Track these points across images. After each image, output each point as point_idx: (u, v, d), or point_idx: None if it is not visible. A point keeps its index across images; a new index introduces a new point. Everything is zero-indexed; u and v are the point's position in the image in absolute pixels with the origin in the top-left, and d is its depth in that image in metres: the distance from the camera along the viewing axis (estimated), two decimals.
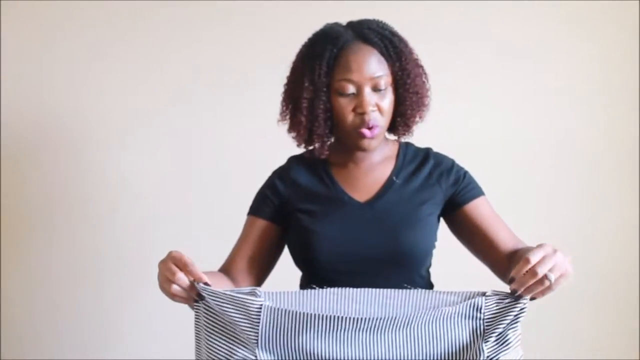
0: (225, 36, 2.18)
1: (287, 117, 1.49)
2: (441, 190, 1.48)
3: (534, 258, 1.17)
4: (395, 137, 1.53)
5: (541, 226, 2.24)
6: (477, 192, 1.50)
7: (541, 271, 1.16)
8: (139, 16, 2.16)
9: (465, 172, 1.52)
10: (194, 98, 2.18)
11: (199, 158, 2.20)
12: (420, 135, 1.54)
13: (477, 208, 1.47)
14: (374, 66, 1.38)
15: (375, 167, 1.50)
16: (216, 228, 2.16)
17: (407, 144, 1.56)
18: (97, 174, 2.18)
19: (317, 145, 1.48)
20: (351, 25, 1.45)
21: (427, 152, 1.54)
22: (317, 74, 1.40)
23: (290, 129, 1.49)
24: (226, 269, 1.47)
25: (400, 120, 1.46)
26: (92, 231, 2.18)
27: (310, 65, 1.41)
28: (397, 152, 1.53)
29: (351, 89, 1.38)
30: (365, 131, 1.40)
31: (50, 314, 2.17)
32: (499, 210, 2.15)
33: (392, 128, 1.49)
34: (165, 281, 1.22)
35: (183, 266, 1.21)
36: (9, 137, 2.14)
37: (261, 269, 1.49)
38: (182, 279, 1.21)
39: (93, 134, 2.18)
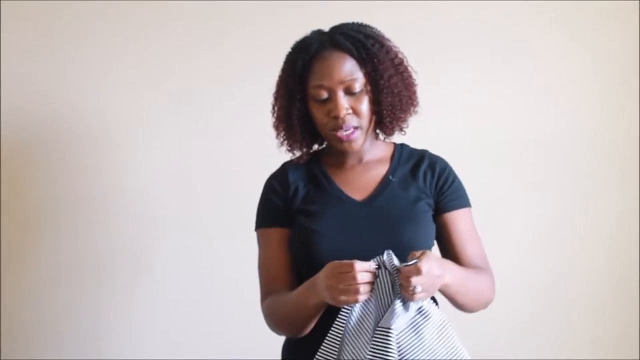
0: (236, 37, 2.19)
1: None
2: (432, 191, 1.51)
3: (424, 269, 1.23)
4: (384, 138, 1.55)
5: (539, 226, 2.24)
6: (460, 203, 1.52)
7: (414, 282, 1.23)
8: (146, 15, 2.17)
9: (455, 179, 1.54)
10: (201, 99, 2.19)
11: (207, 159, 2.20)
12: (415, 135, 1.56)
13: (455, 220, 1.50)
14: (345, 70, 1.42)
15: (370, 167, 1.53)
16: (224, 227, 2.17)
17: (403, 145, 1.58)
18: (103, 174, 2.18)
19: (296, 152, 1.53)
20: (328, 31, 1.49)
21: (422, 153, 1.56)
22: (290, 83, 1.46)
23: (276, 136, 1.54)
24: (275, 290, 1.48)
25: (382, 121, 1.48)
26: (94, 231, 2.18)
27: (286, 75, 1.48)
28: (392, 153, 1.56)
29: (324, 94, 1.43)
30: (341, 134, 1.44)
31: (51, 314, 2.17)
32: (495, 210, 2.17)
33: (381, 129, 1.51)
34: (347, 291, 1.25)
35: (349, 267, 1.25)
36: (12, 137, 2.15)
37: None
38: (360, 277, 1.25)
39: (99, 133, 2.18)
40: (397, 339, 1.26)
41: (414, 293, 1.24)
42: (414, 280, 1.23)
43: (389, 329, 1.24)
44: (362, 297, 1.25)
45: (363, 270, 1.25)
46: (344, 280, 1.25)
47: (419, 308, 1.29)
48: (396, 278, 1.27)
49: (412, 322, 1.29)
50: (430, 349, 1.28)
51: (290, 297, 1.41)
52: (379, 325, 1.26)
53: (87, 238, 2.17)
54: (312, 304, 1.35)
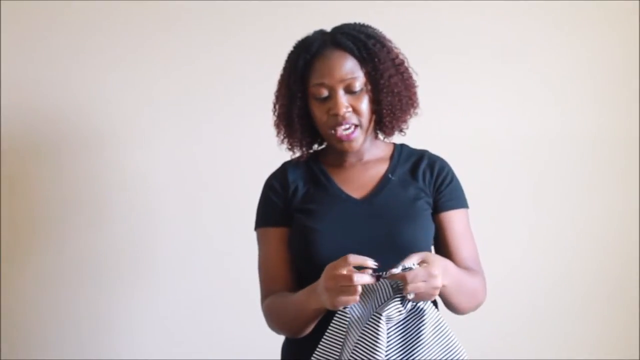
0: (238, 38, 2.19)
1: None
2: (430, 189, 1.51)
3: (410, 278, 1.25)
4: (384, 138, 1.56)
5: (539, 226, 2.25)
6: (457, 203, 1.53)
7: (410, 289, 1.26)
8: (148, 15, 2.18)
9: (453, 179, 1.54)
10: (202, 99, 2.19)
11: (209, 160, 2.20)
12: (414, 136, 1.56)
13: (451, 220, 1.51)
14: (345, 69, 1.43)
15: (370, 166, 1.53)
16: (225, 228, 2.17)
17: (402, 146, 1.59)
18: (103, 174, 2.18)
19: (296, 151, 1.54)
20: (329, 31, 1.50)
21: (422, 153, 1.57)
22: (292, 81, 1.47)
23: (277, 134, 1.55)
24: (275, 290, 1.49)
25: (382, 121, 1.49)
26: (94, 231, 2.18)
27: (287, 73, 1.49)
28: (392, 153, 1.57)
29: (325, 92, 1.44)
30: (341, 133, 1.45)
31: (51, 314, 2.17)
32: (496, 210, 2.17)
33: (381, 129, 1.52)
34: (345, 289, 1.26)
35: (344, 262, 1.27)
36: (13, 137, 2.15)
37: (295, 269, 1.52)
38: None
39: (100, 134, 2.18)
40: (392, 331, 1.28)
41: (407, 294, 1.26)
42: (409, 287, 1.25)
43: (380, 314, 1.26)
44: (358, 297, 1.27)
45: (356, 263, 1.26)
46: (342, 280, 1.26)
47: (416, 306, 1.30)
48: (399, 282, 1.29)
49: (408, 319, 1.30)
50: (427, 346, 1.29)
51: (291, 299, 1.42)
52: (374, 312, 1.28)
53: (88, 238, 2.17)
54: (313, 308, 1.36)
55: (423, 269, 1.27)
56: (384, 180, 1.51)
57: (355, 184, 1.51)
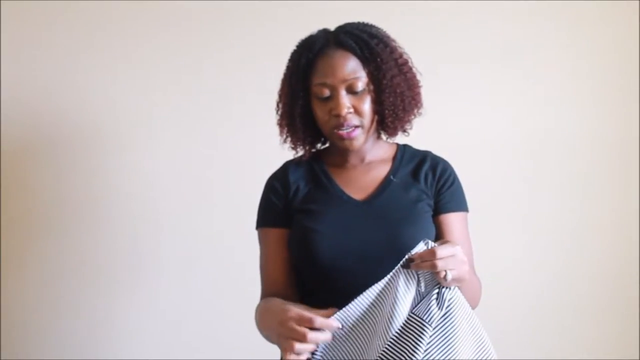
0: (240, 38, 2.19)
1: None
2: (432, 191, 1.51)
3: (440, 252, 1.23)
4: (387, 138, 1.55)
5: (540, 226, 2.25)
6: (456, 206, 1.52)
7: (441, 266, 1.23)
8: (150, 15, 2.18)
9: (455, 182, 1.54)
10: (204, 100, 2.19)
11: (210, 160, 2.20)
12: (417, 136, 1.56)
13: (449, 222, 1.50)
14: (347, 69, 1.43)
15: (372, 167, 1.53)
16: (226, 228, 2.17)
17: (406, 146, 1.59)
18: (102, 175, 2.18)
19: (299, 150, 1.54)
20: (332, 30, 1.50)
21: (425, 154, 1.57)
22: (294, 80, 1.47)
23: (280, 133, 1.55)
24: (273, 292, 1.48)
25: (384, 121, 1.48)
26: (95, 232, 2.18)
27: (290, 72, 1.49)
28: (395, 153, 1.56)
29: (326, 92, 1.44)
30: (342, 132, 1.44)
31: (51, 314, 2.17)
32: (498, 210, 2.17)
33: (384, 129, 1.52)
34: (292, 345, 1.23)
35: (309, 323, 1.24)
36: (13, 138, 2.15)
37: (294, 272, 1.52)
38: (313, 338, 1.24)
39: (102, 134, 2.18)
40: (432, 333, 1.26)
41: (445, 279, 1.23)
42: (440, 264, 1.22)
43: (424, 322, 1.24)
44: (293, 356, 1.23)
45: (323, 325, 1.24)
46: (293, 333, 1.24)
47: (451, 298, 1.28)
48: (419, 274, 1.27)
49: (447, 310, 1.28)
50: (462, 337, 1.28)
51: (263, 316, 1.41)
52: (414, 311, 1.26)
53: (88, 239, 2.17)
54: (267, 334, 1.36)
55: (445, 245, 1.26)
56: (386, 182, 1.50)
57: (356, 185, 1.51)
